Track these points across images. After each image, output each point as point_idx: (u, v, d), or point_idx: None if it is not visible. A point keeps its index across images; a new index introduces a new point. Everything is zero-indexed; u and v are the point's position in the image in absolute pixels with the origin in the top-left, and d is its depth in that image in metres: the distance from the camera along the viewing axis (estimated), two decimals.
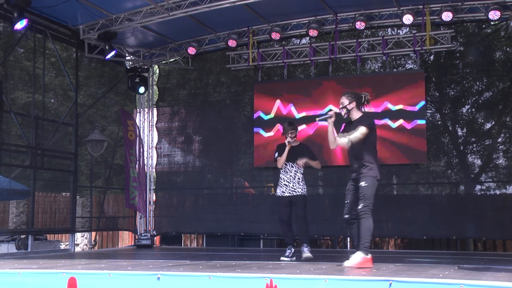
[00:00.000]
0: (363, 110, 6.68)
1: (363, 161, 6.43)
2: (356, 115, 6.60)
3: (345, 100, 6.60)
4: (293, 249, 7.84)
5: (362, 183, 6.36)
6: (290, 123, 8.18)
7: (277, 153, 8.02)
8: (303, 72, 12.81)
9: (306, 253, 7.74)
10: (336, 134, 6.56)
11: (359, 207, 6.30)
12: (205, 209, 12.76)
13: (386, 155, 10.85)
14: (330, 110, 6.79)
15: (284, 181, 7.92)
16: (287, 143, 7.91)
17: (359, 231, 6.33)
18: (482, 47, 11.51)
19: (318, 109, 11.80)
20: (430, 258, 8.28)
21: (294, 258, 7.75)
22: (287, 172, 7.92)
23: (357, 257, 6.22)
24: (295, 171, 7.91)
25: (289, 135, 7.95)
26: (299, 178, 7.91)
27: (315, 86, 11.98)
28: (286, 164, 7.96)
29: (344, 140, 6.30)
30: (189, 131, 13.24)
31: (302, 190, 7.91)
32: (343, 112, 6.61)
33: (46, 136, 10.56)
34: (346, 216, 6.56)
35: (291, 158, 7.91)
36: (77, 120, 11.28)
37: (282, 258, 7.72)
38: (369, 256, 6.27)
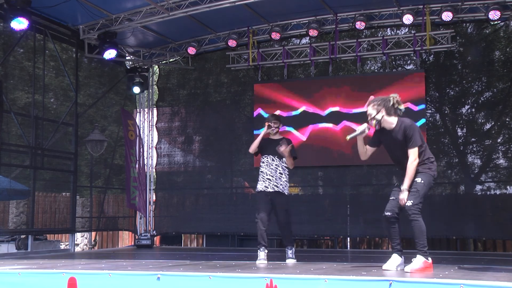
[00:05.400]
0: (398, 113, 5.96)
1: (421, 158, 5.87)
2: (390, 122, 5.91)
3: (372, 111, 5.88)
4: (266, 250, 7.25)
5: (418, 179, 5.75)
6: (274, 114, 7.74)
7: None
8: (303, 72, 12.81)
9: (291, 258, 7.39)
10: (365, 145, 6.07)
11: (408, 204, 5.60)
12: (205, 209, 12.77)
13: (386, 155, 10.80)
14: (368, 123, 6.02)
15: (266, 175, 7.34)
16: (266, 127, 7.36)
17: (413, 234, 5.63)
18: (482, 47, 11.51)
19: (318, 109, 11.83)
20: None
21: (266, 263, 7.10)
22: (268, 166, 7.35)
23: (419, 262, 5.52)
24: (276, 164, 7.33)
25: (272, 124, 7.42)
26: (280, 173, 7.34)
27: (315, 86, 11.98)
28: (266, 157, 7.37)
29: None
30: (189, 131, 13.24)
31: (284, 187, 7.32)
32: (373, 123, 5.88)
33: (46, 136, 10.56)
34: (388, 213, 5.85)
35: (272, 151, 7.34)
36: (77, 120, 11.28)
37: (259, 263, 7.05)
38: (430, 260, 5.62)
